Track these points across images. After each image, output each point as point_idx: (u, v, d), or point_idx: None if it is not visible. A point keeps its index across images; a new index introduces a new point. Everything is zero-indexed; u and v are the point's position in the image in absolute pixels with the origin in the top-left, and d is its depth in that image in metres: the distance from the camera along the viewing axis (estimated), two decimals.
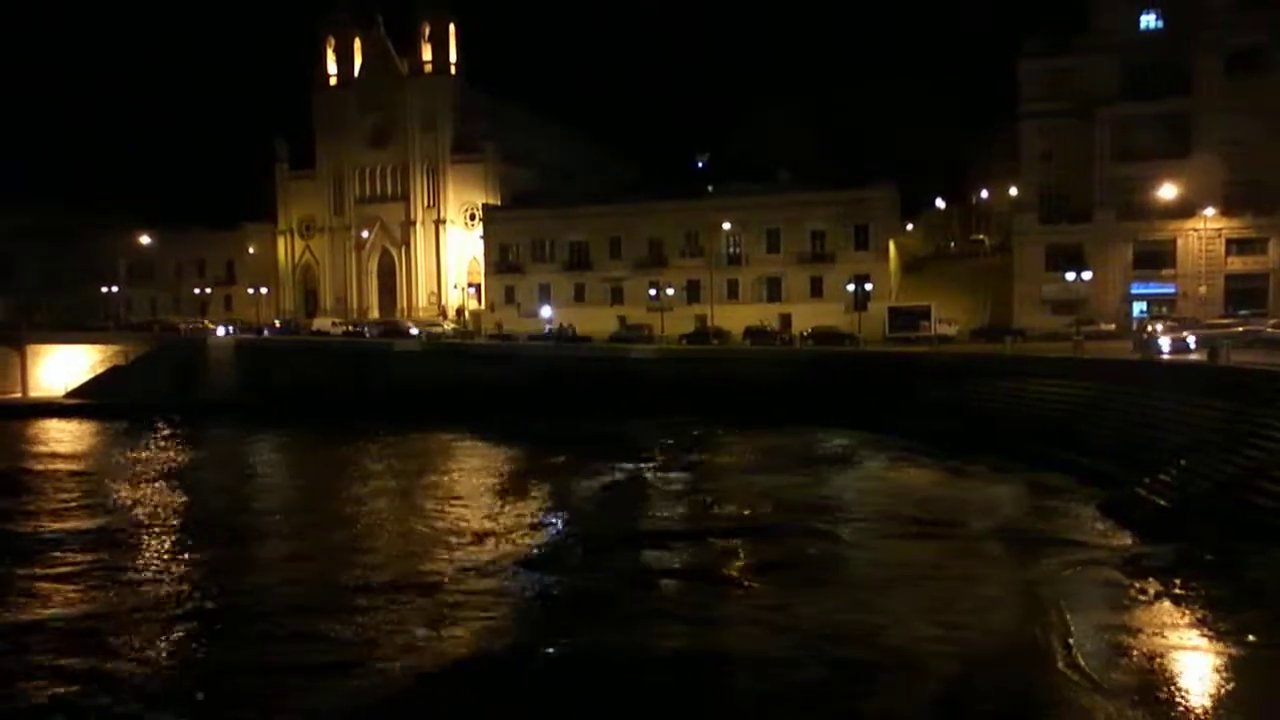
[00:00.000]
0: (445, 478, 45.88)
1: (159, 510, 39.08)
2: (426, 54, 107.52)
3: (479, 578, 27.95)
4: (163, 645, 23.22)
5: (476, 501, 39.52)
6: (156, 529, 35.66)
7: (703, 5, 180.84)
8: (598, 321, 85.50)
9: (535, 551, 31.01)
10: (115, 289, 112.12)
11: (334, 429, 60.66)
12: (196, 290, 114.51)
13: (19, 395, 79.96)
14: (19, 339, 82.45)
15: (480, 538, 32.62)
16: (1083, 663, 20.67)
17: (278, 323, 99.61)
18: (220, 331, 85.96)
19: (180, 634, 23.87)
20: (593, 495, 40.12)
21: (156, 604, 26.17)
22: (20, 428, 66.73)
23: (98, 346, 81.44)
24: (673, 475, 44.00)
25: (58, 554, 31.49)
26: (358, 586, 27.27)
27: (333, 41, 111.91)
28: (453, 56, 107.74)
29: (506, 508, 37.83)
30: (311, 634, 23.53)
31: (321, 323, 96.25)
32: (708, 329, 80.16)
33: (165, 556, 31.84)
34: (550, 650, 22.39)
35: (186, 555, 31.94)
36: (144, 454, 54.64)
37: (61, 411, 73.91)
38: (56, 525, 36.05)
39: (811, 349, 68.65)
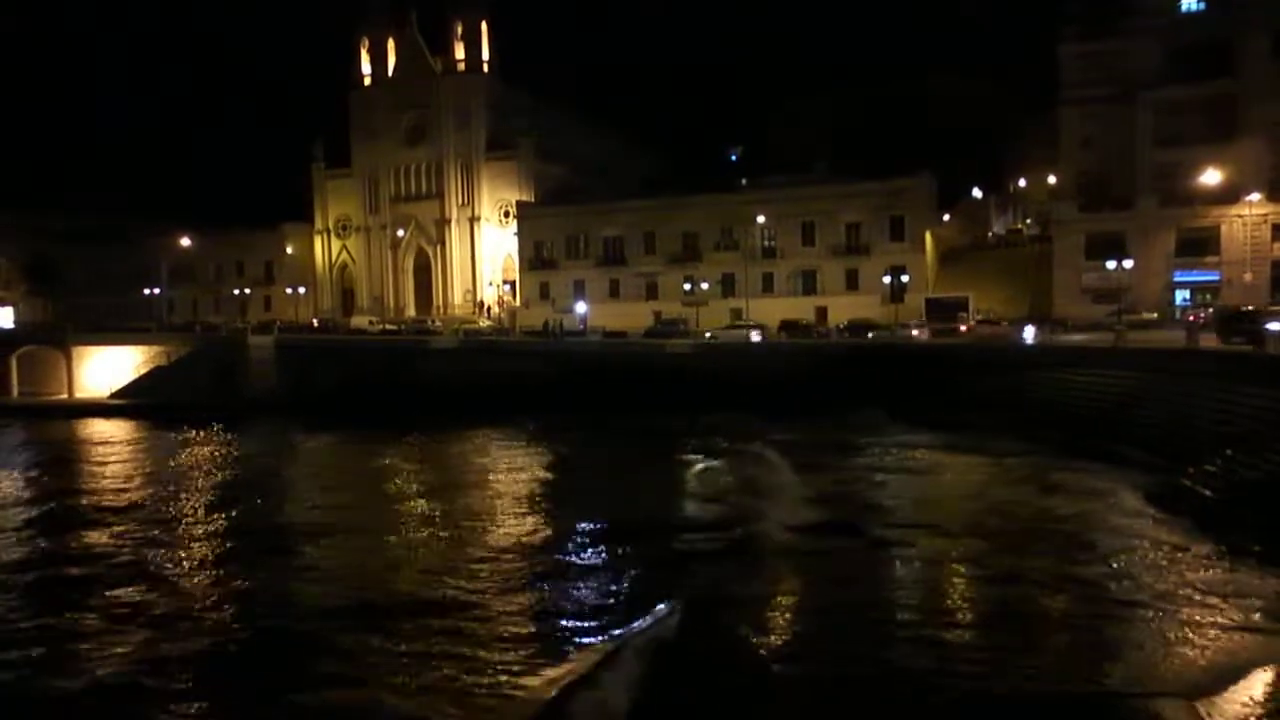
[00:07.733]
0: (505, 479, 44.02)
1: (198, 512, 39.40)
2: (459, 52, 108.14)
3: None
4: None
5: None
6: (196, 532, 36.07)
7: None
8: (632, 317, 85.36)
9: None
10: (158, 290, 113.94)
11: (374, 428, 60.81)
12: (236, 291, 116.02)
13: (65, 396, 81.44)
14: (64, 340, 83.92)
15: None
16: (1128, 655, 20.36)
17: (315, 322, 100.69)
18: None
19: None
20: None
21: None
22: (69, 427, 68.11)
23: (141, 347, 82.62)
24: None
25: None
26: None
27: (366, 41, 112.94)
28: (485, 54, 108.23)
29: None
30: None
31: (359, 321, 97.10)
32: (743, 322, 79.83)
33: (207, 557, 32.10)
34: None
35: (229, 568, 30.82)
36: (185, 454, 55.33)
37: (106, 412, 75.18)
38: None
39: (850, 340, 67.96)
